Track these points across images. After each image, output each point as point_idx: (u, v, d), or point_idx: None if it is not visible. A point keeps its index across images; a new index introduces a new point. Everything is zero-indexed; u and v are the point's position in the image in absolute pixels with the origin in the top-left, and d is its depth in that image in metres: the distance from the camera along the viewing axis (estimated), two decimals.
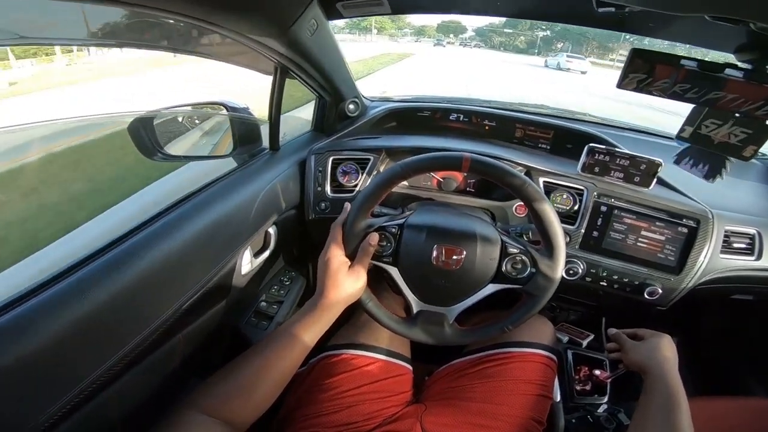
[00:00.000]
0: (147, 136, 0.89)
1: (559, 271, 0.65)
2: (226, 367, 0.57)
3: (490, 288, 0.67)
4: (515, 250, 0.67)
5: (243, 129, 0.99)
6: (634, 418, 0.63)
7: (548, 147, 1.12)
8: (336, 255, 0.63)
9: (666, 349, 0.72)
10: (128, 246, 0.55)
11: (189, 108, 1.04)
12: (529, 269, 0.66)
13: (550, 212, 0.63)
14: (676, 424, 0.57)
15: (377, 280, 0.86)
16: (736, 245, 0.90)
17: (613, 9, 0.67)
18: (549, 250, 0.65)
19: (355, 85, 1.14)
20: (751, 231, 0.91)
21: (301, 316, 0.62)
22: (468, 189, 1.01)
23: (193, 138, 1.12)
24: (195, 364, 0.73)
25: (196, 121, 1.13)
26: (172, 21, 0.65)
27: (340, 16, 0.90)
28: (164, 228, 0.61)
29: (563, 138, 1.10)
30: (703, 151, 0.69)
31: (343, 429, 0.68)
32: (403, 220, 0.70)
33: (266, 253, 0.89)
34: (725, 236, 0.89)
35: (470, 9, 0.95)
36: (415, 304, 0.69)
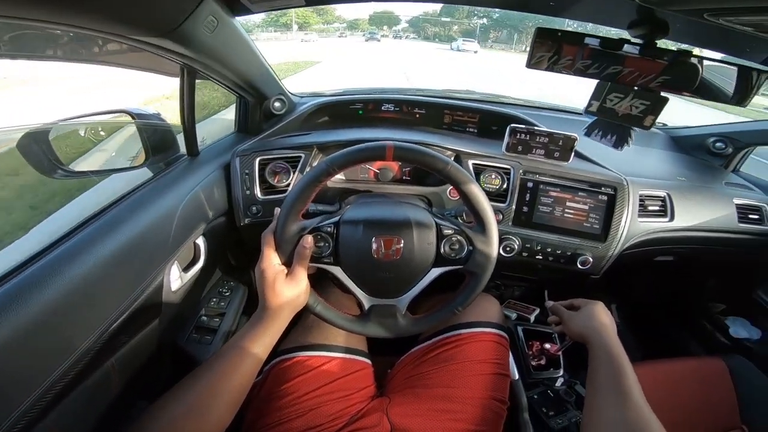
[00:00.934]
0: (42, 152, 0.79)
1: (494, 246, 0.66)
2: (174, 388, 0.54)
3: (434, 272, 0.67)
4: (450, 231, 0.67)
5: (155, 137, 0.91)
6: (587, 390, 0.65)
7: (476, 130, 1.15)
8: (271, 264, 0.61)
9: (601, 315, 0.74)
10: (29, 275, 0.49)
11: (88, 119, 0.93)
12: (466, 248, 0.67)
13: (475, 190, 0.63)
14: (624, 388, 0.59)
15: (323, 281, 0.84)
16: (651, 208, 0.98)
17: None
18: (481, 226, 0.65)
19: (279, 81, 1.09)
20: (662, 194, 0.99)
21: (248, 329, 0.60)
22: (404, 177, 1.01)
23: (99, 151, 1.02)
24: (138, 388, 0.70)
25: (102, 133, 1.03)
26: (59, 31, 0.57)
27: (248, 12, 0.84)
28: (70, 252, 0.55)
29: (489, 121, 1.13)
30: (609, 123, 0.73)
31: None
32: (338, 217, 0.68)
33: (197, 266, 0.83)
34: (640, 200, 0.96)
35: None
36: (365, 299, 0.68)
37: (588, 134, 0.76)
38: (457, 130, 1.16)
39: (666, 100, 0.64)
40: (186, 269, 0.80)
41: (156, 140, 0.91)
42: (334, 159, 0.61)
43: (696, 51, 0.64)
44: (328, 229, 0.66)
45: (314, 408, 0.69)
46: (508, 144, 0.93)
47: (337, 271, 0.66)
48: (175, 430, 0.50)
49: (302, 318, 0.86)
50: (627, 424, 0.54)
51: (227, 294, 0.97)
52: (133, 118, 0.89)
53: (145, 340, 0.69)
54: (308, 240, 0.62)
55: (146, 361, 0.72)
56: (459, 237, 0.67)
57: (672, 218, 0.98)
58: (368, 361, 0.82)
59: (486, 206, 0.64)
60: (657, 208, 0.99)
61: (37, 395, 0.46)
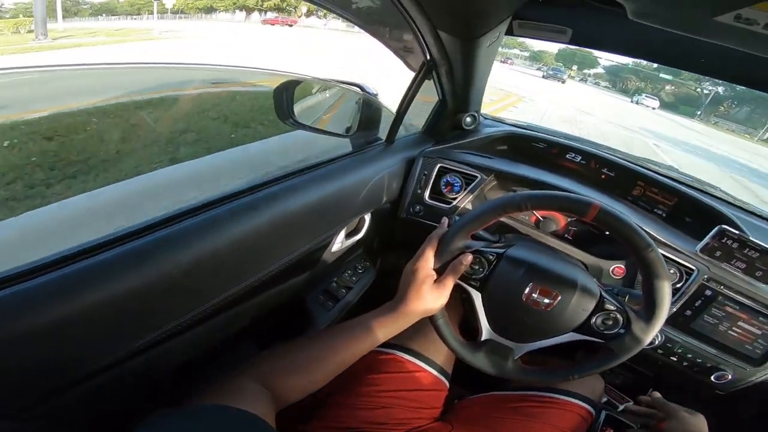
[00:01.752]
0: (286, 100, 0.97)
1: (650, 338, 0.62)
2: (292, 342, 0.57)
3: (571, 336, 0.66)
4: (612, 308, 0.64)
5: (369, 114, 1.04)
6: None
7: (664, 214, 1.03)
8: (425, 266, 0.63)
9: (699, 425, 0.72)
10: (240, 204, 0.58)
11: (328, 82, 1.13)
12: (619, 328, 0.64)
13: (666, 286, 0.60)
14: None
15: (451, 298, 0.89)
16: None
17: None
18: (649, 316, 0.62)
19: (481, 100, 1.14)
20: None
21: (378, 315, 0.62)
22: (566, 236, 0.98)
23: (321, 111, 1.23)
24: (255, 330, 0.75)
25: (329, 97, 1.24)
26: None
27: (511, 33, 0.89)
28: (279, 193, 0.64)
29: (685, 209, 1.00)
30: None
31: (370, 427, 0.69)
32: (503, 250, 0.69)
33: (356, 238, 0.93)
34: None
35: (660, 58, 0.89)
36: (486, 332, 0.68)
37: None
38: (644, 207, 1.05)
39: None
40: (348, 236, 0.91)
41: (367, 118, 1.03)
42: (531, 197, 0.62)
43: None
44: (490, 257, 0.67)
45: (387, 407, 0.72)
46: (707, 245, 0.83)
47: (477, 296, 0.68)
48: (279, 379, 0.52)
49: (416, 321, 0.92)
50: None
51: (361, 271, 1.05)
52: (362, 92, 1.02)
53: (290, 286, 0.75)
54: (468, 258, 0.64)
55: (277, 308, 0.77)
56: (618, 315, 0.64)
57: None
58: (447, 383, 0.84)
59: (666, 304, 0.61)
60: None
61: (190, 315, 0.52)
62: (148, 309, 0.47)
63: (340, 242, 0.87)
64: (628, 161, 1.08)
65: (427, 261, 0.63)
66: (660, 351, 0.88)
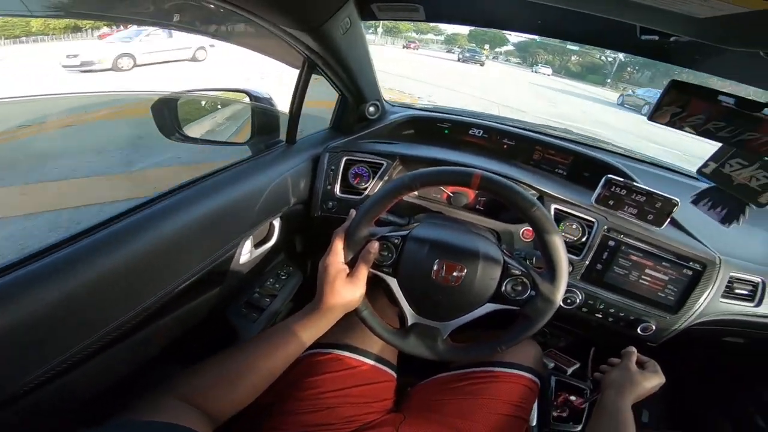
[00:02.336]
0: (168, 116, 0.91)
1: (559, 297, 0.64)
2: (213, 357, 0.56)
3: (488, 307, 0.67)
4: (517, 272, 0.66)
5: (263, 119, 1.00)
6: None
7: (565, 173, 1.11)
8: (335, 261, 0.63)
9: (642, 381, 0.73)
10: (125, 225, 0.55)
11: (213, 93, 1.06)
12: (528, 292, 0.66)
13: (557, 241, 0.62)
14: None
15: (374, 289, 0.87)
16: (738, 291, 0.90)
17: (656, 37, 0.65)
18: (551, 275, 0.64)
19: (379, 88, 1.14)
20: (756, 279, 0.90)
21: (299, 317, 0.62)
22: (477, 207, 1.01)
23: (212, 122, 1.14)
24: (176, 349, 0.73)
25: (218, 107, 1.15)
26: (212, 6, 0.66)
27: (374, 17, 0.90)
28: (166, 210, 0.61)
29: (581, 165, 1.08)
30: (723, 195, 0.67)
31: (320, 430, 0.68)
32: (407, 231, 0.69)
33: (267, 245, 0.89)
34: (729, 282, 0.89)
35: (509, 25, 0.94)
36: (411, 316, 0.69)
37: (696, 203, 0.70)
38: (545, 170, 1.12)
39: None
40: (257, 246, 0.86)
41: (263, 122, 1.00)
42: (418, 175, 0.63)
43: None
44: (396, 241, 0.68)
45: (332, 407, 0.70)
46: (599, 195, 0.89)
47: (393, 282, 0.68)
48: (204, 396, 0.51)
49: (346, 317, 0.89)
50: None
51: (284, 278, 1.02)
52: (250, 98, 0.98)
53: (200, 305, 0.72)
54: (374, 245, 0.65)
55: (195, 324, 0.75)
56: (524, 279, 0.66)
57: (759, 304, 0.90)
58: (394, 374, 0.83)
59: (563, 258, 0.63)
60: (745, 292, 0.90)
61: (99, 335, 0.50)
62: (52, 332, 0.46)
63: (247, 253, 0.82)
64: (525, 129, 1.15)
65: (337, 255, 0.63)
66: (584, 309, 0.92)
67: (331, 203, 0.99)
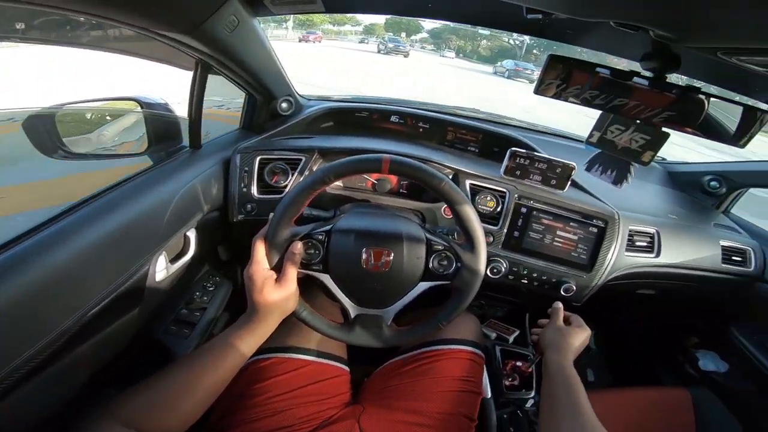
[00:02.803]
0: (46, 133, 0.81)
1: (482, 264, 0.67)
2: (150, 378, 0.54)
3: (422, 286, 0.68)
4: (440, 247, 0.68)
5: (160, 126, 0.92)
6: (541, 404, 0.67)
7: (477, 150, 1.16)
8: (259, 269, 0.61)
9: (569, 336, 0.76)
10: (14, 253, 0.50)
11: (96, 104, 0.95)
12: (454, 265, 0.68)
13: (468, 209, 0.65)
14: (576, 404, 0.62)
15: (310, 288, 0.85)
16: (638, 244, 0.99)
17: (539, 16, 0.70)
18: (470, 243, 0.67)
19: (289, 82, 1.10)
20: (651, 230, 1.01)
21: (234, 329, 0.61)
22: (401, 191, 1.02)
23: (103, 135, 1.02)
24: (109, 374, 0.70)
25: (108, 118, 1.04)
26: (82, 19, 0.58)
27: (270, 13, 0.86)
28: (60, 233, 0.55)
29: (491, 141, 1.14)
30: (611, 159, 0.74)
31: None
32: (330, 226, 0.68)
33: (185, 258, 0.83)
34: (629, 235, 0.98)
35: (401, 9, 0.95)
36: (352, 308, 0.69)
37: (588, 169, 0.77)
38: (459, 148, 1.17)
39: (667, 135, 0.65)
40: (173, 260, 0.81)
41: (161, 129, 0.92)
42: (330, 168, 0.62)
43: (704, 88, 0.65)
44: (320, 237, 0.67)
45: (285, 410, 0.69)
46: (506, 167, 0.95)
47: (326, 278, 0.67)
48: (145, 417, 0.49)
49: (283, 320, 0.87)
50: None
51: (211, 289, 0.97)
52: (141, 106, 0.90)
53: (122, 328, 0.68)
54: (298, 246, 0.63)
55: (121, 349, 0.71)
56: (448, 253, 0.68)
57: (658, 255, 1.00)
58: (345, 368, 0.83)
59: (476, 226, 0.66)
60: (645, 244, 1.00)
61: (6, 372, 0.46)
62: None
63: (163, 269, 0.76)
64: (438, 112, 1.19)
65: (260, 263, 0.62)
66: (511, 277, 0.97)
67: (249, 206, 0.94)
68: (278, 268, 0.62)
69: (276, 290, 0.61)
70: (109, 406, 0.49)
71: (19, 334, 0.48)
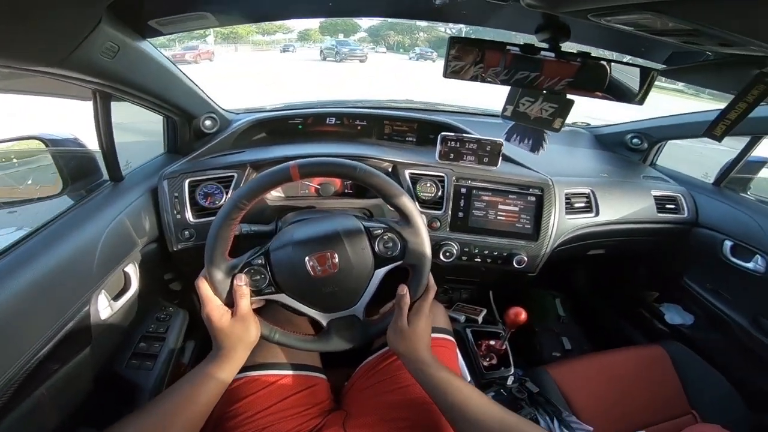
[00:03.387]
0: None
1: (423, 235, 0.66)
2: (123, 420, 0.54)
3: (378, 274, 0.68)
4: (379, 231, 0.67)
5: (73, 163, 0.86)
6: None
7: (414, 139, 1.18)
8: (213, 309, 0.61)
9: (415, 336, 0.66)
10: None
11: None
12: (399, 244, 0.67)
13: (390, 184, 0.64)
14: (459, 406, 0.59)
15: (274, 309, 0.82)
16: (577, 205, 1.04)
17: (447, 0, 0.71)
18: (405, 217, 0.66)
19: (209, 99, 1.05)
20: (586, 190, 1.06)
21: (203, 366, 0.61)
22: (346, 191, 1.01)
23: (11, 179, 0.94)
24: (79, 416, 0.69)
25: (14, 161, 0.95)
26: None
27: (160, 34, 0.81)
28: None
29: (426, 130, 1.16)
30: (525, 128, 0.76)
31: None
32: (265, 248, 0.67)
33: (128, 294, 0.79)
34: (567, 198, 1.02)
35: (300, 13, 0.93)
36: (321, 317, 0.67)
37: (508, 139, 0.79)
38: (398, 140, 1.18)
39: (572, 102, 0.68)
40: (116, 298, 0.76)
41: (74, 167, 0.86)
42: (240, 193, 0.61)
43: (602, 53, 0.68)
44: (259, 261, 0.65)
45: (267, 426, 0.67)
46: (440, 152, 0.97)
47: (283, 297, 0.66)
48: None
49: None
50: None
51: (166, 319, 0.92)
52: (46, 144, 0.83)
53: (78, 367, 0.67)
54: (240, 278, 0.62)
55: (84, 388, 0.70)
56: (390, 234, 0.67)
57: (597, 213, 1.05)
58: (322, 376, 0.81)
59: (404, 198, 0.65)
60: (582, 204, 1.05)
61: None
62: None
63: (106, 307, 0.72)
64: (372, 107, 1.20)
65: (211, 303, 0.62)
66: (464, 258, 0.99)
67: (187, 232, 0.90)
68: (231, 304, 0.63)
69: (235, 326, 0.61)
70: None
71: None
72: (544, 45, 0.64)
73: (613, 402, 0.93)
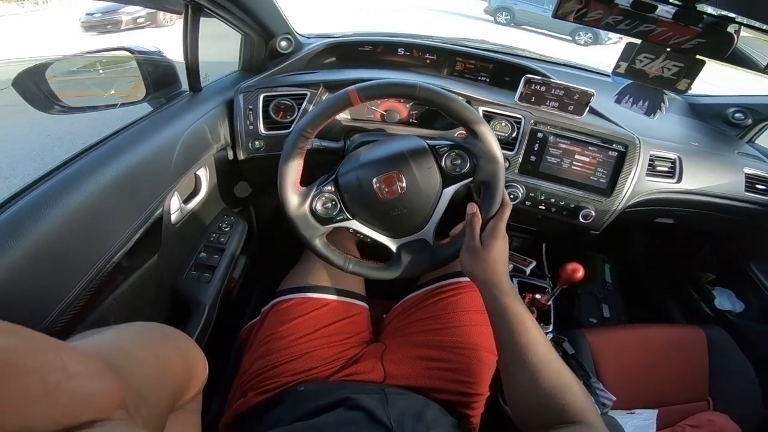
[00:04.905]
0: (39, 88, 0.78)
1: (495, 147, 0.63)
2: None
3: (447, 193, 0.67)
4: (445, 148, 0.66)
5: (156, 72, 0.89)
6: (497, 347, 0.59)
7: (487, 79, 1.11)
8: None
9: (493, 255, 0.60)
10: (24, 205, 0.48)
11: (87, 55, 0.92)
12: (469, 160, 0.65)
13: (453, 100, 0.61)
14: (526, 348, 0.53)
15: (336, 242, 0.84)
16: (659, 168, 0.96)
17: None
18: (472, 131, 0.63)
19: (287, 20, 1.04)
20: (673, 156, 0.97)
21: None
22: (411, 120, 1.00)
23: (97, 86, 0.98)
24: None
25: (100, 70, 0.99)
26: None
27: None
28: (66, 181, 0.54)
29: (502, 71, 1.09)
30: (642, 89, 0.69)
31: (303, 376, 0.67)
32: (334, 174, 0.68)
33: (198, 197, 0.83)
34: (650, 160, 0.95)
35: None
36: (391, 242, 0.68)
37: (618, 101, 0.72)
38: (469, 78, 1.12)
39: (703, 63, 0.59)
40: (186, 201, 0.80)
41: (157, 76, 0.89)
42: (303, 123, 0.62)
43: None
44: (329, 188, 0.66)
45: (311, 351, 0.70)
46: (521, 94, 0.91)
47: (353, 224, 0.67)
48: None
49: (301, 259, 0.87)
50: (539, 394, 0.49)
51: (227, 229, 0.94)
52: (132, 54, 0.86)
53: (145, 276, 0.68)
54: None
55: (145, 300, 0.71)
56: (457, 151, 0.65)
57: (680, 180, 0.97)
58: (365, 305, 0.83)
59: (470, 112, 0.62)
60: (666, 169, 0.97)
61: (59, 312, 0.46)
62: None
63: (177, 210, 0.76)
64: (444, 43, 1.13)
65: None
66: (528, 203, 0.95)
67: (257, 143, 0.92)
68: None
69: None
70: None
71: (43, 292, 0.47)
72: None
73: (640, 376, 0.93)
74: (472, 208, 0.63)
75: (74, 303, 0.50)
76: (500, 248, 0.60)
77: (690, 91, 1.37)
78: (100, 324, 0.56)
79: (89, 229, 0.54)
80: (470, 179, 0.65)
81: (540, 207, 0.95)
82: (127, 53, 0.88)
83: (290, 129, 0.92)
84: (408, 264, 0.68)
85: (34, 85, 0.76)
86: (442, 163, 0.66)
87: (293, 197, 0.64)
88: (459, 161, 0.66)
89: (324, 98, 0.94)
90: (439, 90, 0.61)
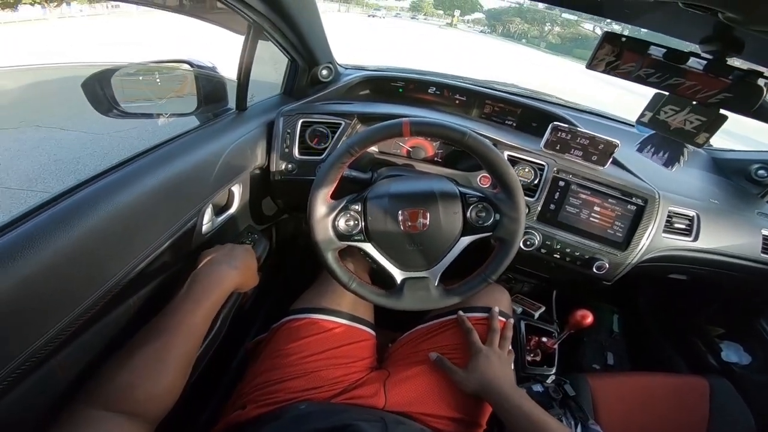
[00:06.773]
0: (103, 91, 0.85)
1: (521, 212, 0.66)
2: (120, 353, 0.51)
3: (464, 241, 0.69)
4: (475, 199, 0.68)
5: (209, 87, 0.96)
6: None
7: (514, 123, 1.15)
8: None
9: (489, 367, 0.72)
10: (80, 198, 0.52)
11: (150, 64, 0.99)
12: (493, 215, 0.68)
13: (496, 156, 0.64)
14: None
15: (349, 259, 0.87)
16: (677, 225, 0.97)
17: None
18: (507, 192, 0.66)
19: (330, 50, 1.11)
20: (691, 213, 0.98)
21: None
22: (436, 159, 1.03)
23: (153, 95, 1.06)
24: None
25: (157, 80, 1.08)
26: None
27: None
28: (120, 181, 0.58)
29: (529, 116, 1.12)
30: (664, 140, 0.72)
31: (306, 394, 0.68)
32: (364, 195, 0.70)
33: (229, 212, 0.87)
34: (668, 217, 0.96)
35: None
36: (398, 273, 0.70)
37: (640, 150, 0.75)
38: (496, 121, 1.16)
39: (724, 118, 0.62)
40: (218, 214, 0.84)
41: (209, 91, 0.96)
42: (354, 140, 0.64)
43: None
44: (356, 207, 0.68)
45: (316, 371, 0.71)
46: (547, 140, 0.94)
47: (368, 247, 0.69)
48: (125, 398, 0.46)
49: (316, 282, 0.90)
50: None
51: (249, 243, 0.97)
52: (192, 67, 0.94)
53: (166, 281, 0.70)
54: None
55: (166, 304, 0.73)
56: (485, 204, 0.68)
57: (696, 239, 0.98)
58: (372, 332, 0.85)
59: (509, 171, 0.65)
60: (683, 226, 0.98)
61: (64, 324, 0.46)
62: (19, 321, 0.41)
63: (209, 221, 0.80)
64: (475, 85, 1.18)
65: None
66: (543, 251, 0.97)
67: (290, 165, 0.97)
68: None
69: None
70: (87, 390, 0.46)
71: (80, 283, 0.49)
72: (701, 54, 0.59)
73: (639, 424, 0.93)
74: (434, 355, 0.75)
75: (104, 297, 0.52)
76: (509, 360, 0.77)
77: (714, 146, 1.40)
78: (122, 320, 0.59)
79: (131, 229, 0.57)
80: (489, 233, 0.68)
81: (555, 255, 0.97)
82: (188, 66, 0.95)
83: (322, 156, 0.98)
84: (408, 298, 0.70)
85: (100, 89, 0.83)
86: (468, 212, 0.68)
87: (321, 206, 0.66)
88: (484, 214, 0.68)
89: (357, 129, 0.99)
90: (488, 143, 0.64)
